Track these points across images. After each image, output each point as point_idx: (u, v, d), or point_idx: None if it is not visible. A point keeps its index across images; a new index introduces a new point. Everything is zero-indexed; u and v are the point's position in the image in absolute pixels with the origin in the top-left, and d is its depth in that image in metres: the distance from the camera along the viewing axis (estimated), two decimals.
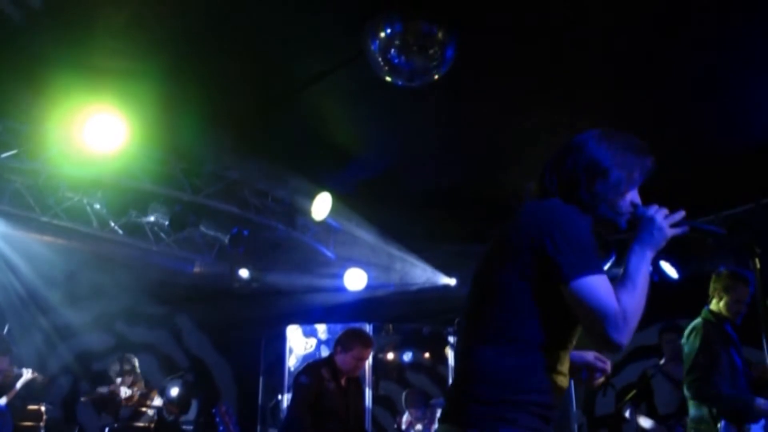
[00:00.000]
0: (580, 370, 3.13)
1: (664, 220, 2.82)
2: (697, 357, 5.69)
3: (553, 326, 2.78)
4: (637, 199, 2.95)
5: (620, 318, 2.61)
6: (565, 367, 2.89)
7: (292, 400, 6.99)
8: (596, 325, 2.63)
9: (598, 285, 2.66)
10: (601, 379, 3.14)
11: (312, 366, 7.06)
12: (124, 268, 10.83)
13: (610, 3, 5.92)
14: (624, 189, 2.89)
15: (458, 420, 2.79)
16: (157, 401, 10.24)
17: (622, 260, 2.96)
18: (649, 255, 2.79)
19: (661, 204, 2.89)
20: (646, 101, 7.49)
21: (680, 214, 2.86)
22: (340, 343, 6.96)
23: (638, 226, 2.86)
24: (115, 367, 10.27)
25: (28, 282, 10.89)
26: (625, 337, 2.60)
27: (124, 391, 10.04)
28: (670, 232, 2.82)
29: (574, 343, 2.93)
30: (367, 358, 7.09)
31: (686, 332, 5.97)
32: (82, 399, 10.57)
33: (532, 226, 2.77)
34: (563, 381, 2.86)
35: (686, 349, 5.86)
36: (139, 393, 10.14)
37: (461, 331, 3.05)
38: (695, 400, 5.74)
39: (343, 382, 6.88)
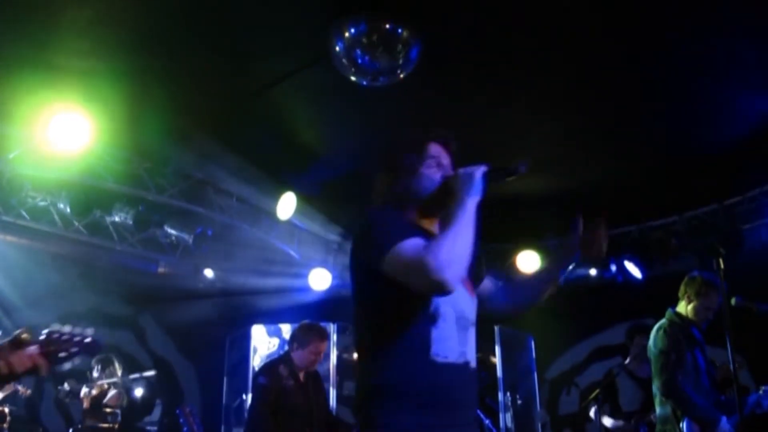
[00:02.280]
0: None
1: (465, 172, 3.07)
2: (669, 356, 5.71)
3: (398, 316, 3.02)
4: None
5: (432, 259, 2.76)
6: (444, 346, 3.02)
7: (252, 402, 6.98)
8: (415, 277, 2.81)
9: (401, 247, 2.88)
10: None
11: (269, 365, 7.04)
12: (88, 268, 10.74)
13: (573, 4, 5.97)
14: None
15: None
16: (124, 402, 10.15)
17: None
18: (467, 200, 2.99)
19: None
20: (609, 104, 7.55)
21: (480, 168, 3.09)
22: (296, 340, 6.95)
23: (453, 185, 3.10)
24: (99, 368, 10.11)
25: None
26: (443, 272, 2.75)
27: (108, 392, 9.92)
28: (477, 174, 3.05)
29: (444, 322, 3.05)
30: (323, 350, 7.09)
31: (652, 333, 5.99)
32: (60, 389, 10.41)
33: None
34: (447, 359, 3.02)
35: (653, 349, 5.87)
36: (117, 392, 10.02)
37: None
38: (666, 397, 5.75)
39: (301, 377, 6.87)
